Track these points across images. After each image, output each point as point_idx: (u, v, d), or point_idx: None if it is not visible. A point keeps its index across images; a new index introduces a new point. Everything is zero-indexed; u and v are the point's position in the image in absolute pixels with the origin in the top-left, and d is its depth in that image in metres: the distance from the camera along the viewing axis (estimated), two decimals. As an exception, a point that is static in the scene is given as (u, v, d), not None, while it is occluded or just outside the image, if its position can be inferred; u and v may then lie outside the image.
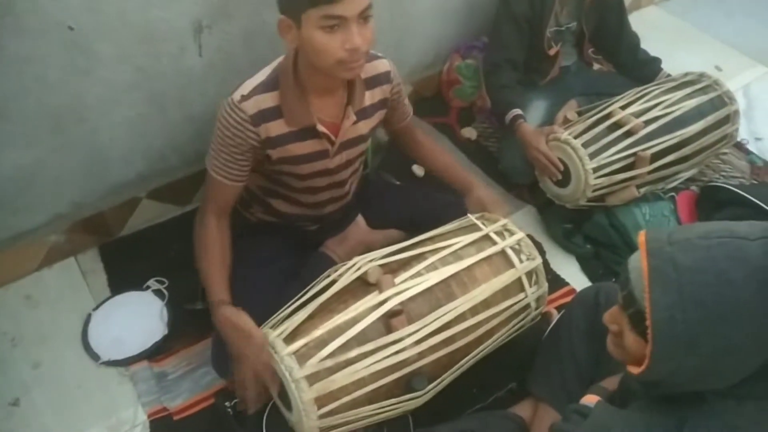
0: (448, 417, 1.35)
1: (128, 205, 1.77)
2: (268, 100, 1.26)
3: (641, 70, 2.03)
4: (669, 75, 1.99)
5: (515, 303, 1.32)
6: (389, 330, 1.19)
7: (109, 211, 1.75)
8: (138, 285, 1.67)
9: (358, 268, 1.26)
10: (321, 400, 1.13)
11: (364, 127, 1.39)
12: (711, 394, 0.80)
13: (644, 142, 1.72)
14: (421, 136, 1.61)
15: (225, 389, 1.45)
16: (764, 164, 2.13)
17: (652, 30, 2.27)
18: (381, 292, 1.22)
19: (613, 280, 1.71)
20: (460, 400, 1.44)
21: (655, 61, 2.04)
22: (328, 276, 1.29)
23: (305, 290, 1.27)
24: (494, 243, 1.35)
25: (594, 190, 1.72)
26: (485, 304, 1.28)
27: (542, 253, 1.74)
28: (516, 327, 1.37)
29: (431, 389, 1.25)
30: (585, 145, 1.71)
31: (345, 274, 1.26)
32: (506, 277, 1.31)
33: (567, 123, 1.82)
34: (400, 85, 1.44)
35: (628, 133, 1.73)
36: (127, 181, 1.73)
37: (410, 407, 1.26)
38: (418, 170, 2.02)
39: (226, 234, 1.37)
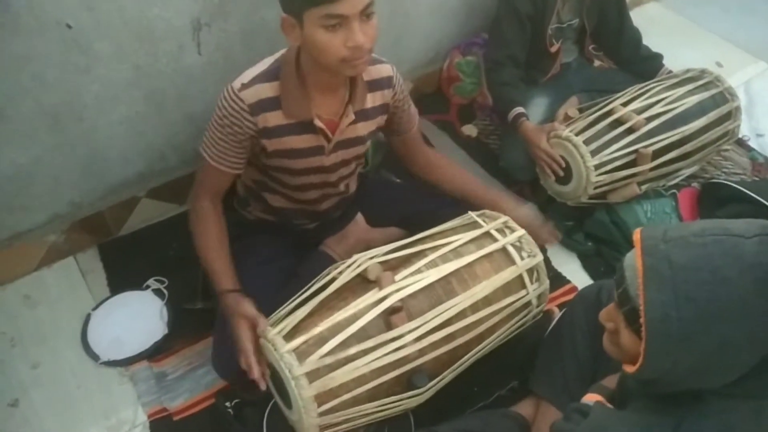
0: (449, 415, 1.34)
1: (127, 205, 1.77)
2: (267, 90, 1.25)
3: (642, 66, 2.02)
4: (670, 71, 1.98)
5: (516, 300, 1.31)
6: (389, 327, 1.18)
7: (108, 210, 1.74)
8: (138, 284, 1.67)
9: (358, 266, 1.26)
10: (321, 398, 1.12)
11: (363, 128, 1.38)
12: (707, 393, 0.80)
13: (646, 138, 1.72)
14: (433, 156, 1.58)
15: (225, 389, 1.45)
16: (765, 161, 2.13)
17: (652, 26, 2.26)
18: (381, 288, 1.21)
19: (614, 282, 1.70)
20: (462, 398, 1.43)
21: (657, 58, 2.03)
22: (328, 273, 1.28)
23: (305, 288, 1.26)
24: (495, 240, 1.34)
25: (595, 188, 1.72)
26: (486, 301, 1.27)
27: (543, 250, 1.73)
28: (517, 324, 1.37)
29: (432, 387, 1.25)
30: (586, 142, 1.70)
31: (345, 272, 1.26)
32: (507, 274, 1.30)
33: (568, 120, 1.81)
34: (405, 93, 1.44)
35: (630, 130, 1.72)
36: (126, 181, 1.72)
37: (411, 405, 1.25)
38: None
39: (221, 216, 1.38)
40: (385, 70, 1.38)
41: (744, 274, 0.72)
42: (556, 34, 1.91)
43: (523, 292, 1.32)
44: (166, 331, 1.57)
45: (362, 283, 1.25)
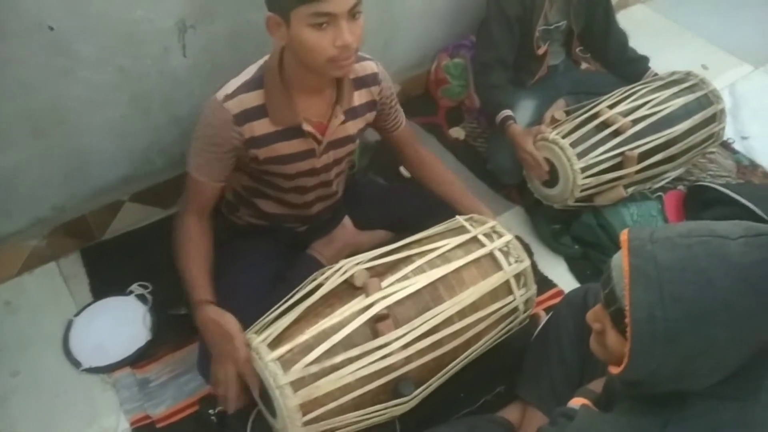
0: (436, 422, 1.33)
1: (111, 209, 1.75)
2: (252, 98, 1.24)
3: (629, 68, 2.02)
4: (656, 74, 1.99)
5: (503, 306, 1.31)
6: (376, 334, 1.17)
7: (91, 214, 1.72)
8: (121, 290, 1.64)
9: (345, 272, 1.25)
10: (306, 407, 1.11)
11: (353, 127, 1.37)
12: (692, 395, 0.80)
13: (632, 141, 1.72)
14: (425, 155, 1.58)
15: (209, 396, 1.43)
16: (750, 163, 2.14)
17: (639, 28, 2.27)
18: (367, 295, 1.20)
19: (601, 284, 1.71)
20: (448, 404, 1.43)
21: (643, 60, 2.04)
22: (314, 279, 1.27)
23: (290, 294, 1.25)
24: (482, 245, 1.33)
25: (582, 190, 1.72)
26: (473, 307, 1.26)
27: (530, 254, 1.73)
28: (504, 330, 1.36)
29: (418, 394, 1.24)
30: (573, 144, 1.70)
31: (331, 278, 1.25)
32: (494, 280, 1.29)
33: (555, 123, 1.81)
34: (391, 89, 1.43)
35: (616, 133, 1.72)
36: (110, 184, 1.70)
37: (397, 412, 1.25)
38: (405, 171, 2.00)
39: (208, 233, 1.35)
40: (369, 66, 1.37)
41: (729, 275, 0.72)
42: (543, 36, 1.91)
43: (510, 298, 1.32)
44: (149, 337, 1.55)
45: (349, 289, 1.24)
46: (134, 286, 1.65)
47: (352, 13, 1.12)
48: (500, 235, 1.37)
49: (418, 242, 1.35)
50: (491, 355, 1.40)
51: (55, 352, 1.54)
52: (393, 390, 1.19)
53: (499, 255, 1.33)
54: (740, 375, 0.76)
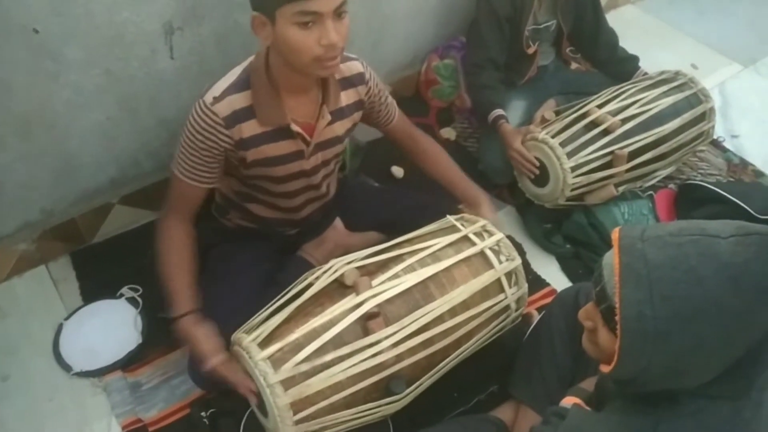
0: (428, 421, 1.33)
1: (100, 212, 1.74)
2: (240, 100, 1.23)
3: (619, 68, 2.03)
4: (646, 73, 2.00)
5: (495, 304, 1.31)
6: (366, 333, 1.17)
7: (80, 217, 1.71)
8: (111, 293, 1.63)
9: (335, 271, 1.24)
10: (297, 405, 1.11)
11: (340, 128, 1.37)
12: (683, 394, 0.80)
13: (621, 140, 1.73)
14: (426, 144, 1.58)
15: (200, 399, 1.42)
16: (741, 161, 2.15)
17: (628, 28, 2.28)
18: (358, 294, 1.20)
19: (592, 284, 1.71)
20: (441, 403, 1.42)
21: (633, 60, 2.05)
22: (305, 279, 1.27)
23: (281, 294, 1.24)
24: (473, 244, 1.33)
25: (572, 189, 1.72)
26: (464, 305, 1.26)
27: (522, 253, 1.74)
28: (496, 329, 1.36)
29: (410, 393, 1.24)
30: (562, 144, 1.71)
31: (322, 277, 1.24)
32: (485, 278, 1.29)
33: (545, 122, 1.82)
34: (379, 86, 1.43)
35: (605, 132, 1.73)
36: (98, 187, 1.69)
37: (389, 411, 1.24)
38: (396, 172, 2.01)
39: (191, 238, 1.35)
40: (355, 66, 1.37)
41: (719, 273, 0.72)
42: (532, 36, 1.91)
43: (501, 296, 1.32)
44: (140, 341, 1.55)
45: (339, 288, 1.24)
46: (125, 289, 1.64)
47: (338, 13, 1.12)
48: (491, 234, 1.37)
49: (409, 241, 1.35)
50: (484, 354, 1.40)
51: (46, 356, 1.52)
52: (384, 388, 1.19)
53: (489, 253, 1.32)
54: (731, 374, 0.76)
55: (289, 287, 1.26)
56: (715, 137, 2.07)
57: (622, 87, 1.88)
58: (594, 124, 1.74)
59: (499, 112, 1.85)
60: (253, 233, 1.51)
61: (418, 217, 1.46)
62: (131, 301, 1.62)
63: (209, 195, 1.43)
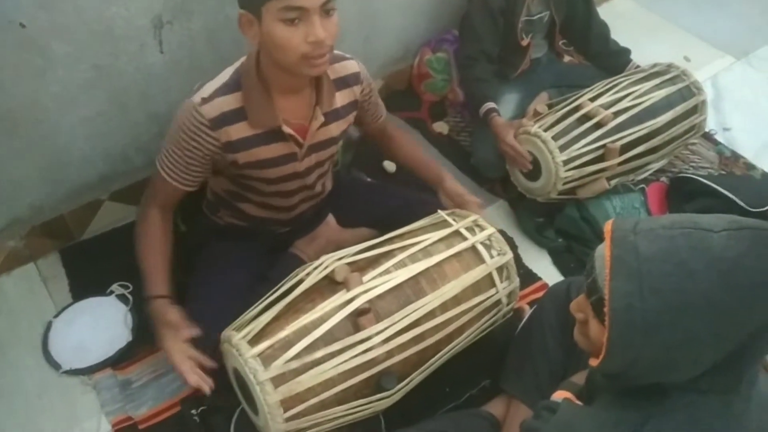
0: (420, 416, 1.33)
1: (90, 208, 1.72)
2: (230, 101, 1.22)
3: (611, 60, 2.03)
4: (638, 66, 1.99)
5: (486, 299, 1.31)
6: (357, 329, 1.17)
7: (69, 214, 1.69)
8: (101, 290, 1.62)
9: (326, 267, 1.24)
10: (287, 403, 1.11)
11: (335, 129, 1.35)
12: (673, 389, 0.80)
13: (613, 133, 1.72)
14: (392, 130, 1.59)
15: (191, 396, 1.41)
16: (732, 154, 2.15)
17: (621, 21, 2.28)
18: (348, 290, 1.19)
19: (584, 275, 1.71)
20: (433, 399, 1.42)
21: (625, 52, 2.04)
22: (296, 275, 1.26)
23: (272, 291, 1.24)
24: (464, 239, 1.33)
25: (565, 183, 1.72)
26: (455, 300, 1.26)
27: (514, 247, 1.74)
28: (488, 323, 1.36)
29: (401, 388, 1.23)
30: (555, 137, 1.70)
31: (312, 273, 1.24)
32: (476, 273, 1.29)
33: (537, 116, 1.81)
34: (371, 86, 1.42)
35: (598, 125, 1.72)
36: (88, 183, 1.68)
37: (381, 407, 1.24)
38: (389, 167, 2.00)
39: (168, 227, 1.36)
40: (350, 66, 1.35)
41: (710, 267, 0.72)
42: (526, 28, 1.90)
43: (492, 291, 1.31)
44: (130, 338, 1.53)
45: (330, 284, 1.23)
46: (114, 287, 1.62)
47: (326, 9, 1.10)
48: (482, 229, 1.37)
49: (400, 237, 1.34)
50: (476, 349, 1.40)
51: (35, 354, 1.51)
52: (376, 384, 1.19)
53: (481, 248, 1.32)
54: (721, 369, 0.76)
55: (280, 284, 1.25)
56: (707, 130, 2.06)
57: (614, 80, 1.87)
58: (586, 117, 1.74)
59: (490, 105, 1.84)
60: (245, 231, 1.50)
61: (409, 213, 1.46)
62: (121, 298, 1.61)
63: (201, 192, 1.42)
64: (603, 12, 2.06)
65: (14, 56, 1.35)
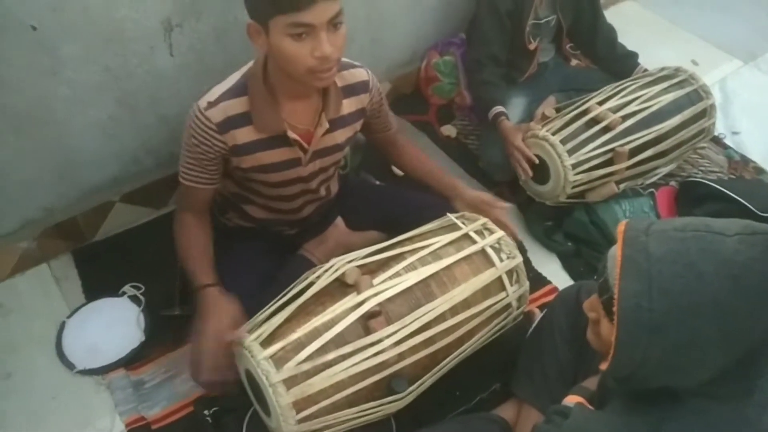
0: (431, 420, 1.33)
1: (101, 210, 1.73)
2: (236, 105, 1.23)
3: (619, 64, 2.03)
4: (646, 70, 1.99)
5: (496, 302, 1.31)
6: (368, 331, 1.17)
7: (81, 215, 1.70)
8: (113, 291, 1.63)
9: (336, 270, 1.24)
10: (299, 405, 1.11)
11: (341, 136, 1.36)
12: (686, 394, 0.80)
13: (622, 137, 1.72)
14: (402, 141, 1.60)
15: (204, 397, 1.42)
16: (741, 158, 2.15)
17: (628, 25, 2.28)
18: (359, 293, 1.20)
19: (595, 277, 1.71)
20: (444, 402, 1.43)
21: (632, 56, 2.04)
22: (306, 278, 1.27)
23: (283, 293, 1.24)
24: (474, 242, 1.33)
25: (573, 187, 1.72)
26: (465, 303, 1.26)
27: (523, 251, 1.74)
28: (498, 327, 1.36)
29: (412, 391, 1.24)
30: (563, 141, 1.70)
31: (323, 276, 1.24)
32: (486, 276, 1.29)
33: (545, 120, 1.82)
34: (381, 96, 1.42)
35: (606, 129, 1.73)
36: (99, 185, 1.69)
37: (391, 410, 1.24)
38: (398, 170, 2.00)
39: (207, 224, 1.38)
40: (360, 74, 1.35)
41: (720, 270, 0.72)
42: (533, 32, 1.91)
43: (502, 294, 1.32)
44: (143, 339, 1.54)
45: (340, 287, 1.24)
46: (127, 287, 1.64)
47: (333, 23, 1.10)
48: (492, 232, 1.37)
49: (410, 240, 1.35)
50: (486, 353, 1.40)
51: (49, 354, 1.52)
52: (386, 387, 1.19)
53: (490, 251, 1.32)
54: (733, 375, 0.77)
55: (291, 286, 1.26)
56: (715, 134, 2.06)
57: (622, 84, 1.87)
58: (594, 121, 1.74)
59: (499, 109, 1.84)
60: (253, 233, 1.51)
61: (418, 216, 1.45)
62: (133, 299, 1.62)
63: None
64: (610, 16, 2.06)
65: (25, 58, 1.36)
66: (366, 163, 1.94)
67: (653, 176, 1.91)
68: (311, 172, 1.37)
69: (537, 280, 1.72)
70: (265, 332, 1.16)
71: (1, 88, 1.37)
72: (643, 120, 1.75)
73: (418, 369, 1.23)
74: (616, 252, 0.80)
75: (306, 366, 1.11)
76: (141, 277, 1.65)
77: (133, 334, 1.55)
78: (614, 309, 0.77)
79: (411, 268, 1.26)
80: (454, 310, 1.25)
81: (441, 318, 1.23)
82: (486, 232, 1.37)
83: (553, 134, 1.72)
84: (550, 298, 1.64)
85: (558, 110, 1.84)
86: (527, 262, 1.69)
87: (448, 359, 1.28)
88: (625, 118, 1.74)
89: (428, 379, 1.27)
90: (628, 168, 1.76)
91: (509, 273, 1.33)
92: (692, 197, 1.87)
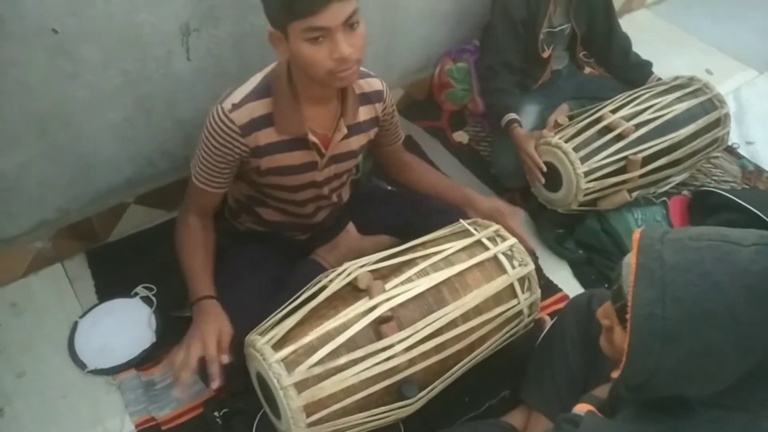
0: (440, 425, 1.33)
1: (116, 211, 1.75)
2: (260, 107, 1.24)
3: (632, 73, 2.03)
4: (659, 78, 1.99)
5: (507, 309, 1.31)
6: (379, 336, 1.17)
7: (96, 216, 1.72)
8: (126, 292, 1.65)
9: (348, 274, 1.25)
10: (310, 408, 1.12)
11: (356, 142, 1.37)
12: (698, 404, 0.80)
13: (635, 145, 1.72)
14: (408, 158, 1.60)
15: (214, 398, 1.43)
16: (755, 168, 2.13)
17: (642, 33, 2.28)
18: (371, 298, 1.20)
19: (606, 285, 1.71)
20: (453, 408, 1.42)
21: (646, 65, 2.04)
22: (319, 282, 1.27)
23: (295, 296, 1.25)
24: (486, 249, 1.34)
25: (585, 194, 1.72)
26: (477, 310, 1.26)
27: (535, 258, 1.73)
28: (509, 334, 1.36)
29: (422, 397, 1.24)
30: (576, 149, 1.70)
31: (335, 280, 1.25)
32: (498, 283, 1.29)
33: (558, 127, 1.82)
34: (393, 107, 1.43)
35: (619, 137, 1.72)
36: (114, 187, 1.71)
37: (401, 415, 1.25)
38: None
39: (210, 230, 1.38)
40: (375, 83, 1.37)
41: (735, 280, 0.72)
42: (547, 40, 1.91)
43: (514, 302, 1.32)
44: (154, 340, 1.55)
45: (352, 291, 1.24)
46: (139, 288, 1.65)
47: (349, 24, 1.11)
48: (504, 239, 1.37)
49: (422, 245, 1.35)
50: (496, 359, 1.40)
51: (61, 353, 1.54)
52: (397, 392, 1.19)
53: (503, 258, 1.33)
54: (747, 385, 0.76)
55: (303, 290, 1.26)
56: (729, 144, 2.05)
57: (636, 92, 1.87)
58: (608, 129, 1.74)
59: (512, 116, 1.85)
60: (265, 237, 1.52)
61: (430, 222, 1.46)
62: (146, 300, 1.63)
63: (225, 196, 1.44)
64: (624, 23, 2.06)
65: (45, 61, 1.38)
66: (378, 169, 1.94)
67: (666, 185, 1.90)
68: (325, 177, 1.38)
69: (548, 288, 1.72)
70: (277, 335, 1.16)
71: (23, 91, 1.39)
72: (657, 129, 1.74)
73: (429, 375, 1.24)
74: (630, 259, 0.80)
75: (317, 370, 1.12)
76: (153, 279, 1.66)
77: (144, 335, 1.56)
78: (628, 316, 0.77)
79: (423, 273, 1.26)
80: (465, 317, 1.25)
81: (452, 324, 1.23)
82: (498, 239, 1.37)
83: (566, 142, 1.72)
84: (561, 305, 1.64)
85: (571, 118, 1.84)
86: (538, 269, 1.68)
87: (458, 365, 1.28)
88: (638, 126, 1.73)
89: (438, 385, 1.27)
90: (640, 176, 1.75)
91: (521, 280, 1.33)
92: (705, 207, 1.86)
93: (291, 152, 1.29)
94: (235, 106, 1.22)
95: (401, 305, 1.21)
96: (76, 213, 1.69)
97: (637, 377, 0.80)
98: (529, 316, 1.37)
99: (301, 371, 1.11)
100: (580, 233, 1.83)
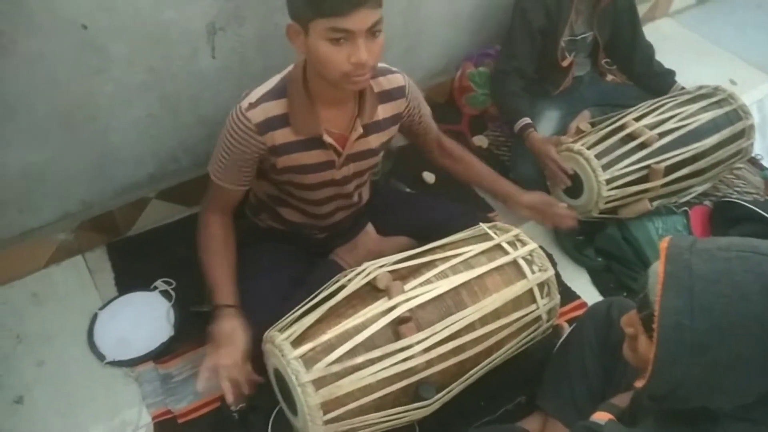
0: (455, 428, 1.33)
1: (137, 205, 1.77)
2: (275, 107, 1.25)
3: (655, 81, 2.02)
4: (683, 88, 1.98)
5: (526, 314, 1.31)
6: (398, 337, 1.18)
7: (118, 210, 1.74)
8: (145, 285, 1.66)
9: (368, 274, 1.25)
10: (327, 406, 1.12)
11: (375, 141, 1.37)
12: (724, 416, 0.79)
13: (658, 154, 1.71)
14: (448, 144, 1.61)
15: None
16: (779, 180, 2.11)
17: (666, 42, 2.26)
18: (390, 298, 1.20)
19: (625, 294, 1.69)
20: (469, 411, 1.42)
21: (670, 74, 2.03)
22: (338, 281, 1.28)
23: (314, 294, 1.26)
24: (506, 253, 1.33)
25: (606, 202, 1.71)
26: (495, 314, 1.26)
27: (553, 264, 1.72)
28: (527, 339, 1.36)
29: (439, 398, 1.24)
30: (598, 156, 1.70)
31: (354, 279, 1.25)
32: (518, 288, 1.29)
33: (580, 134, 1.81)
34: (418, 101, 1.43)
35: (642, 146, 1.71)
36: (137, 181, 1.73)
37: (417, 416, 1.25)
38: (428, 177, 2.01)
39: (230, 231, 1.39)
40: (396, 80, 1.37)
41: (764, 292, 0.71)
42: (569, 47, 1.91)
43: (533, 307, 1.31)
44: (172, 333, 1.57)
45: (371, 291, 1.24)
46: (158, 282, 1.66)
47: (372, 32, 1.11)
48: (524, 244, 1.37)
49: (442, 247, 1.35)
50: (513, 364, 1.40)
51: (80, 344, 1.55)
52: (414, 393, 1.19)
53: (522, 263, 1.32)
54: None
55: (321, 288, 1.27)
56: (752, 155, 2.03)
57: (660, 101, 1.86)
58: (631, 137, 1.73)
59: (526, 120, 1.84)
60: (284, 234, 1.53)
61: (449, 224, 1.46)
62: (164, 294, 1.65)
63: (246, 193, 1.45)
64: (648, 32, 2.05)
65: (74, 55, 1.40)
66: (397, 170, 1.95)
67: (687, 195, 1.88)
68: (345, 176, 1.38)
69: (566, 295, 1.70)
70: (295, 332, 1.17)
71: (51, 85, 1.41)
72: (681, 138, 1.73)
73: (446, 377, 1.23)
74: (657, 268, 0.79)
75: (335, 368, 1.12)
76: (173, 273, 1.67)
77: (162, 329, 1.58)
78: (654, 326, 0.76)
79: (442, 275, 1.26)
80: (484, 320, 1.25)
81: (471, 327, 1.23)
82: (518, 244, 1.37)
83: (588, 148, 1.71)
84: (579, 312, 1.63)
85: (593, 125, 1.84)
86: (556, 275, 1.67)
87: (476, 369, 1.28)
88: (661, 135, 1.72)
89: (455, 388, 1.27)
90: (662, 186, 1.74)
91: (540, 285, 1.33)
92: (726, 218, 1.84)
93: (308, 151, 1.30)
94: (252, 105, 1.24)
95: (420, 306, 1.21)
96: (99, 206, 1.71)
97: (663, 387, 0.79)
98: (547, 321, 1.36)
99: (320, 368, 1.11)
100: (600, 241, 1.82)
